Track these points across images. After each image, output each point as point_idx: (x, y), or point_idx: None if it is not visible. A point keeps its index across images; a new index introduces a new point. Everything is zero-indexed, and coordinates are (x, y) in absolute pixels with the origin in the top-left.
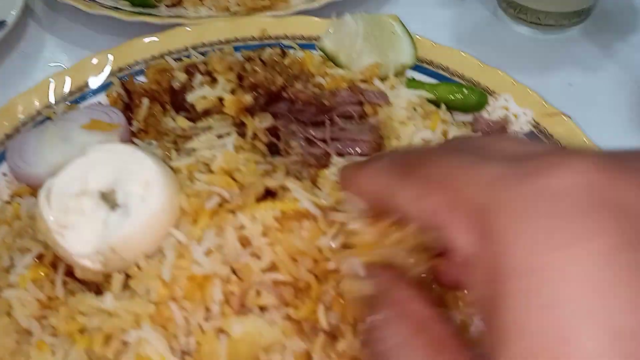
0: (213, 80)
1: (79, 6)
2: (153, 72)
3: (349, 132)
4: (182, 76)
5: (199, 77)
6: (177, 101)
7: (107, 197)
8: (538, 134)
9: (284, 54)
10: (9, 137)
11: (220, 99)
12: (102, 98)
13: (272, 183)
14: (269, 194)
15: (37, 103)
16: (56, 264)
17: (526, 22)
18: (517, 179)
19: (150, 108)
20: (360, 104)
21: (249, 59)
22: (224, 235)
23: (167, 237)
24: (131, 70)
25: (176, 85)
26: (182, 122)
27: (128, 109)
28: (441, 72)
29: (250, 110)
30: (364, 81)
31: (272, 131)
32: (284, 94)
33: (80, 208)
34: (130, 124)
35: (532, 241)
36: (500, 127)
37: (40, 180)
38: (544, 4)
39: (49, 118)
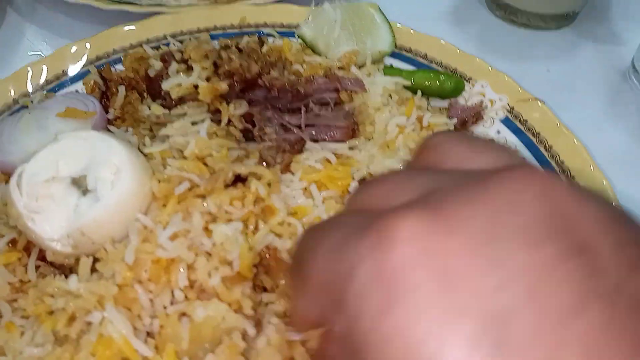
0: (189, 68)
1: None
2: (130, 60)
3: (324, 119)
4: (157, 64)
5: (174, 65)
6: (153, 88)
7: (78, 183)
8: (513, 120)
9: (261, 43)
10: None
11: (196, 86)
12: (79, 87)
13: (242, 169)
14: (239, 180)
15: (13, 92)
16: (29, 248)
17: (517, 23)
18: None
19: (127, 96)
20: (336, 91)
21: (225, 47)
22: (191, 220)
23: (134, 222)
24: (109, 59)
25: (152, 72)
26: (156, 109)
27: (105, 97)
28: (419, 59)
29: (226, 98)
30: (341, 68)
31: (247, 117)
32: (260, 82)
33: (51, 193)
34: (106, 111)
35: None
36: (476, 113)
37: (14, 167)
38: (535, 6)
39: (25, 107)
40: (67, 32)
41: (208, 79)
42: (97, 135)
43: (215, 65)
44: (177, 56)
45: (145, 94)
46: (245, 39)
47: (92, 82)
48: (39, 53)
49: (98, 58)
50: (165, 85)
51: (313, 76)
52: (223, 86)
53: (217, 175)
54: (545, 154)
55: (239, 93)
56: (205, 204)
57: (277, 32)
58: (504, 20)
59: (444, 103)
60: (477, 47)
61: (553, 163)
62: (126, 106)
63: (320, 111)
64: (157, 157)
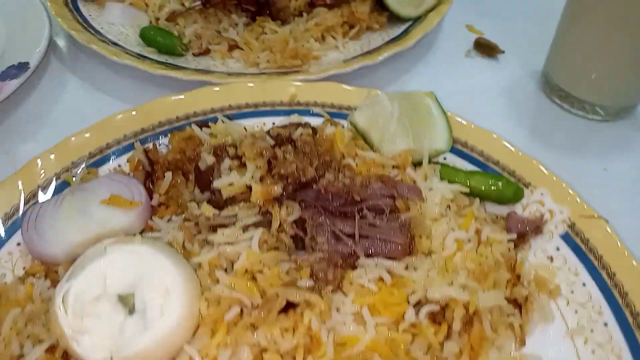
0: (242, 165)
1: (104, 54)
2: (177, 140)
3: (379, 230)
4: (209, 159)
5: (227, 161)
6: (202, 182)
7: (125, 301)
8: (573, 237)
9: (314, 133)
10: (26, 202)
11: (249, 187)
12: (123, 161)
13: (294, 297)
14: (291, 305)
15: (56, 165)
16: (68, 357)
17: (572, 111)
18: None
19: (173, 179)
20: (392, 197)
21: (280, 144)
22: (240, 355)
23: (181, 353)
24: (155, 132)
25: (203, 165)
26: (207, 209)
27: (148, 178)
28: (475, 155)
29: (278, 198)
30: (396, 167)
31: (299, 222)
32: (315, 187)
33: (97, 312)
34: (150, 195)
35: None
36: (535, 227)
37: (56, 259)
38: (594, 97)
39: (67, 183)
40: (109, 87)
41: (261, 179)
42: (147, 250)
43: (269, 162)
44: (231, 151)
45: (190, 177)
46: (299, 130)
47: (136, 160)
48: (80, 110)
49: (144, 130)
50: (217, 184)
51: (369, 180)
52: (277, 190)
53: (269, 305)
54: (608, 281)
55: (291, 193)
56: (255, 335)
57: (328, 113)
58: (559, 106)
59: (500, 209)
60: (530, 132)
61: (616, 293)
62: (171, 190)
63: (374, 219)
64: (205, 266)
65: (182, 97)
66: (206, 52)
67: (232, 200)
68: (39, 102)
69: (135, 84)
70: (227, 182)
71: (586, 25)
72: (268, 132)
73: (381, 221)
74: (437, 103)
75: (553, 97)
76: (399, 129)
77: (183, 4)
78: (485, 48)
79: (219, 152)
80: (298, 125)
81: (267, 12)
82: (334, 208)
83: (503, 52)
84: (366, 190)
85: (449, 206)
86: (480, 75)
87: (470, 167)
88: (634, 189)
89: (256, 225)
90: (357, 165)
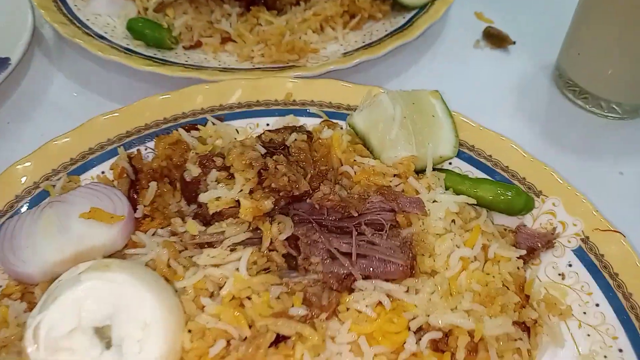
0: (230, 176)
1: (89, 49)
2: (163, 145)
3: (378, 249)
4: (195, 170)
5: (214, 173)
6: (188, 193)
7: (102, 332)
8: (587, 252)
9: (310, 138)
10: (2, 214)
11: (237, 201)
12: (106, 167)
13: (285, 330)
14: (281, 338)
15: (35, 173)
16: None
17: (586, 108)
18: None
19: (158, 188)
20: (393, 211)
21: (271, 152)
22: None
23: None
24: (140, 135)
25: (188, 177)
26: (192, 227)
27: (133, 187)
28: (484, 161)
29: (270, 212)
30: (397, 176)
31: (292, 240)
32: (309, 202)
33: (72, 347)
34: (134, 206)
35: None
36: (546, 242)
37: (33, 279)
38: (611, 94)
39: (47, 192)
40: (95, 82)
41: (251, 192)
42: (125, 278)
43: (259, 173)
44: (218, 162)
45: (177, 184)
46: (293, 135)
47: (120, 167)
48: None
49: (129, 134)
50: (203, 198)
51: (368, 192)
52: (267, 205)
53: (258, 340)
54: (624, 302)
55: (284, 207)
56: None
57: (325, 113)
58: (573, 102)
59: (510, 219)
60: (542, 130)
61: (632, 316)
62: (156, 200)
63: (373, 236)
64: (190, 291)
65: (169, 97)
66: (197, 45)
67: (219, 215)
68: (22, 101)
69: (124, 80)
70: (214, 196)
71: (603, 18)
72: (260, 137)
73: (380, 238)
74: (442, 103)
75: (566, 93)
76: (400, 134)
77: None
78: (495, 39)
79: (205, 163)
80: (292, 129)
81: (262, 1)
82: (330, 223)
83: (514, 43)
84: (365, 204)
85: (453, 220)
86: (489, 69)
87: (478, 172)
88: None
89: (245, 243)
90: (355, 173)
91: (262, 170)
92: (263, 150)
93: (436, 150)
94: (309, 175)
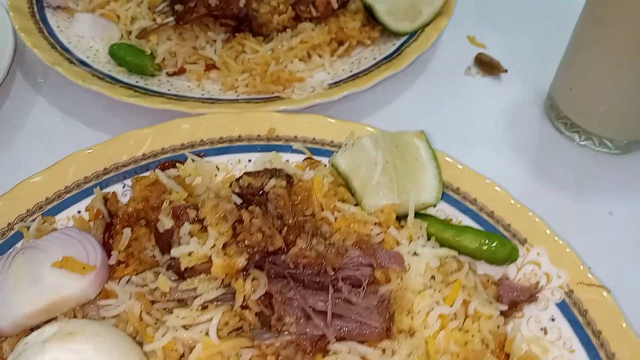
0: (203, 229)
1: (68, 77)
2: (140, 187)
3: (355, 309)
4: (168, 223)
5: (187, 226)
6: (162, 244)
7: None
8: (571, 307)
9: (290, 184)
10: None
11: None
12: (82, 207)
13: None
14: None
15: (9, 213)
16: None
17: (577, 142)
18: None
19: (133, 233)
20: (372, 266)
21: (248, 202)
22: None
23: None
24: (118, 173)
25: (161, 228)
26: (163, 284)
27: (108, 232)
28: (469, 205)
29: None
30: (378, 224)
31: (266, 295)
32: (283, 258)
33: None
34: (109, 251)
35: None
36: (529, 296)
37: (3, 332)
38: (603, 129)
39: (20, 234)
40: (79, 110)
41: (225, 246)
42: (90, 350)
43: (234, 226)
44: (191, 214)
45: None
46: (272, 182)
47: (95, 209)
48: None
49: (106, 171)
50: (175, 252)
51: (346, 247)
52: (240, 263)
53: None
54: None
55: (259, 261)
56: None
57: (309, 149)
58: (564, 135)
59: (493, 269)
60: (531, 164)
61: None
62: (132, 243)
63: (350, 294)
64: (159, 353)
65: (148, 132)
66: (181, 71)
67: (192, 270)
68: (0, 128)
69: (106, 107)
70: (186, 251)
71: (596, 55)
72: (238, 181)
73: (357, 296)
74: (427, 145)
75: (557, 124)
76: (382, 180)
77: (155, 20)
78: (487, 66)
79: (179, 214)
80: (272, 173)
81: (248, 27)
82: (306, 277)
83: (506, 71)
84: (342, 258)
85: (433, 277)
86: (479, 97)
87: (463, 217)
88: None
89: (218, 299)
90: (336, 219)
91: (236, 223)
92: (239, 201)
93: (419, 197)
94: (286, 228)
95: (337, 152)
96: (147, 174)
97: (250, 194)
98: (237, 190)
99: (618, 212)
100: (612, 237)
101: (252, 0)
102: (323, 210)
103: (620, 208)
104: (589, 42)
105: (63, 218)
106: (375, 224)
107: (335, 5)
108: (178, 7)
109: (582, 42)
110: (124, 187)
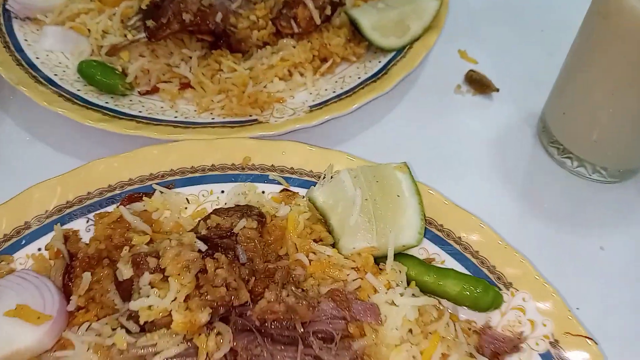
0: (165, 278)
1: (33, 98)
2: (102, 225)
3: None
4: (127, 272)
5: (147, 276)
6: (123, 292)
7: None
8: (556, 358)
9: (262, 224)
10: None
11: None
12: (43, 243)
13: None
14: None
15: None
16: None
17: (569, 168)
18: None
19: (96, 272)
20: (345, 319)
21: (214, 246)
22: None
23: None
24: (82, 206)
25: (120, 277)
26: (119, 340)
27: (67, 272)
28: (452, 243)
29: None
30: (355, 269)
31: (231, 352)
32: (250, 312)
33: None
34: (68, 295)
35: None
36: (512, 347)
37: None
38: (597, 158)
39: None
40: (47, 132)
41: (187, 298)
42: None
43: (197, 276)
44: (152, 263)
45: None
46: (242, 222)
47: (55, 249)
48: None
49: (69, 204)
50: (134, 306)
51: (318, 300)
52: (202, 319)
53: None
54: None
55: (224, 314)
56: None
57: (285, 179)
58: (556, 160)
59: (476, 315)
60: (521, 192)
61: None
62: (94, 286)
63: (321, 351)
64: None
65: (115, 161)
66: (154, 90)
67: (152, 324)
68: None
69: (76, 127)
70: (145, 304)
71: (590, 81)
72: (206, 220)
73: (329, 353)
74: (409, 179)
75: (550, 149)
76: (360, 221)
77: (126, 36)
78: (478, 84)
79: (139, 262)
80: (243, 211)
81: (226, 43)
82: (275, 331)
83: (497, 90)
84: (314, 311)
85: (411, 330)
86: (469, 118)
87: (445, 256)
88: (634, 274)
89: (180, 357)
90: (311, 262)
91: (200, 274)
92: (203, 247)
93: (399, 239)
94: (254, 279)
95: (315, 186)
96: (112, 207)
97: (218, 235)
98: (204, 231)
99: (609, 247)
100: (602, 274)
101: (230, 15)
102: (297, 251)
103: (612, 242)
104: (584, 69)
105: (22, 256)
106: (352, 268)
107: (318, 21)
108: (150, 23)
109: (577, 68)
110: (87, 221)
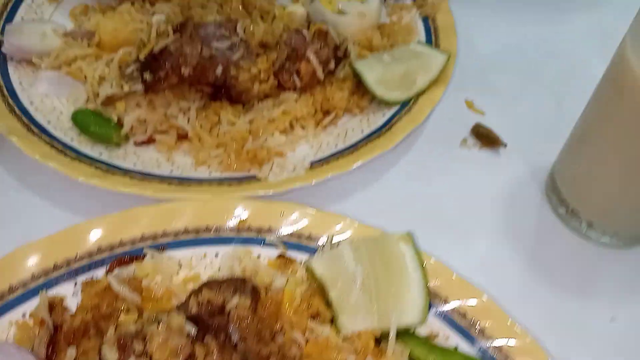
0: None
1: (24, 150)
2: (90, 294)
3: None
4: (112, 356)
5: None
6: None
7: None
8: None
9: (256, 300)
10: None
11: None
12: (28, 309)
13: None
14: None
15: None
16: None
17: (578, 231)
18: None
19: (82, 344)
20: None
21: (203, 330)
22: None
23: None
24: (69, 269)
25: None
26: None
27: (52, 343)
28: (457, 319)
29: None
30: (354, 352)
31: None
32: None
33: None
34: None
35: None
36: None
37: None
38: (606, 221)
39: None
40: (37, 181)
41: None
42: None
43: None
44: (138, 347)
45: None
46: (235, 300)
47: (40, 318)
48: None
49: (56, 267)
50: None
51: None
52: None
53: None
54: None
55: None
56: None
57: (285, 244)
58: (565, 221)
59: None
60: (528, 255)
61: None
62: (79, 358)
63: None
64: None
65: (105, 221)
66: (150, 141)
67: None
68: None
69: (68, 179)
70: None
71: (604, 150)
72: (197, 294)
73: None
74: (413, 251)
75: (559, 210)
76: (361, 299)
77: (122, 87)
78: (485, 138)
79: (124, 346)
80: (236, 287)
81: (226, 94)
82: None
83: (505, 145)
84: None
85: None
86: (475, 175)
87: (450, 332)
88: None
89: None
90: (307, 341)
91: (189, 359)
92: (192, 330)
93: (401, 319)
94: None
95: (314, 254)
96: (102, 269)
97: (209, 313)
98: (195, 308)
99: (621, 319)
100: (613, 349)
101: (231, 66)
102: (293, 329)
103: (624, 313)
104: (596, 138)
105: (5, 323)
106: (351, 353)
107: (321, 77)
108: (147, 75)
109: (590, 134)
110: (75, 285)
